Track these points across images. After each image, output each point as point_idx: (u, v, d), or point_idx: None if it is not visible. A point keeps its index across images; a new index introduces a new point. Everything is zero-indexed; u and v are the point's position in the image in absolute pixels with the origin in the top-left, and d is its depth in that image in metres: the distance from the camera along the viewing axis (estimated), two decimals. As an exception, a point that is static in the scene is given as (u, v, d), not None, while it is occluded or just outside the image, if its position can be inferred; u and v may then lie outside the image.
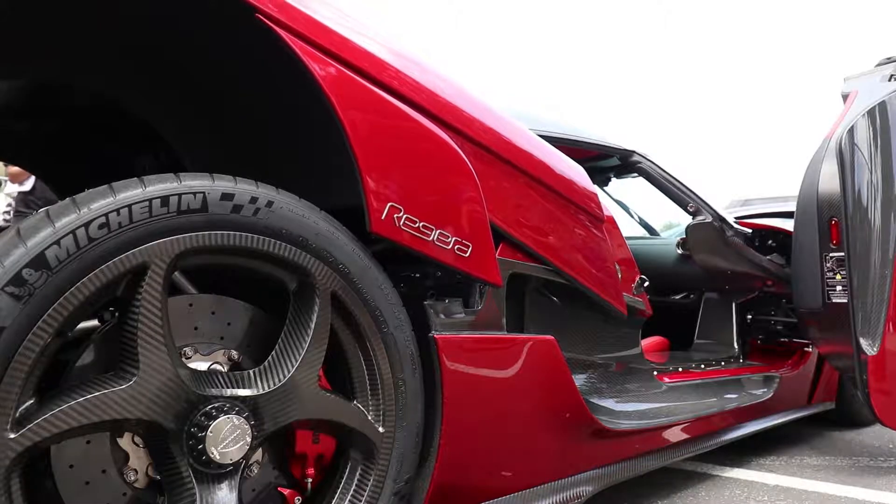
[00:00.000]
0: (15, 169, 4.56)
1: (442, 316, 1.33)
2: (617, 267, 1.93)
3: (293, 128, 1.38)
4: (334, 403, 1.13)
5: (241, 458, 1.00)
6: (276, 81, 1.26)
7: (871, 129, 2.31)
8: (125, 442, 0.98)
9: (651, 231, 3.57)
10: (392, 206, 1.18)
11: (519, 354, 1.44)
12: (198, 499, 0.96)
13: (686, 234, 2.75)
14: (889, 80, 2.47)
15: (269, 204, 1.03)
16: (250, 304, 1.12)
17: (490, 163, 1.45)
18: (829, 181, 2.31)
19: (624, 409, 1.89)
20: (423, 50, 1.38)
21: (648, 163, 2.62)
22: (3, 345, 0.80)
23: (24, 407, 0.84)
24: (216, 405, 0.98)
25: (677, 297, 3.25)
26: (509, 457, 1.46)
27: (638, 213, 3.50)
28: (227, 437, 0.98)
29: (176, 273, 1.03)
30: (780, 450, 2.64)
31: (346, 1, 1.25)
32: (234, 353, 1.09)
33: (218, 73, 1.31)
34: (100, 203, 0.89)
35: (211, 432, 0.96)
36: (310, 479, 1.19)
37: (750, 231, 2.79)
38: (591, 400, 1.80)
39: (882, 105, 2.33)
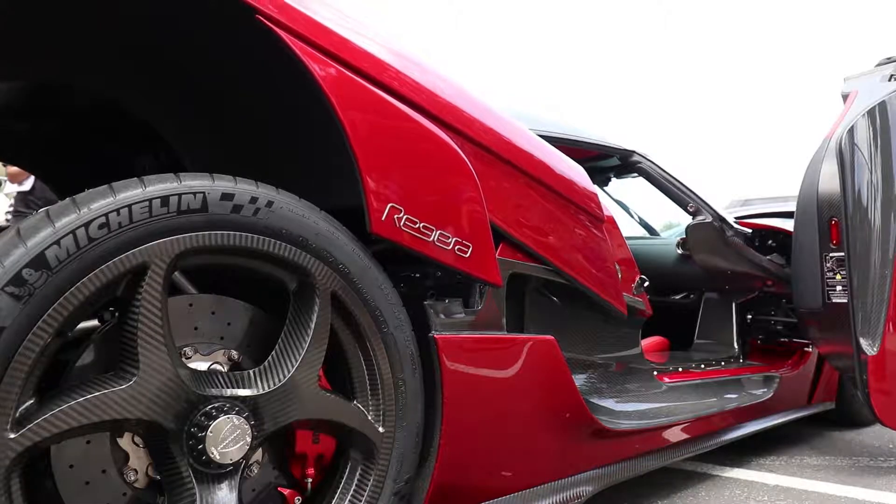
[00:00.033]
0: (14, 169, 4.56)
1: (442, 316, 1.33)
2: (617, 267, 1.93)
3: (293, 128, 1.38)
4: (334, 403, 1.13)
5: (241, 458, 1.00)
6: (277, 82, 1.26)
7: (871, 129, 2.31)
8: (125, 442, 0.98)
9: (651, 231, 3.57)
10: (392, 206, 1.18)
11: (519, 354, 1.44)
12: (198, 499, 0.96)
13: (686, 234, 2.75)
14: (889, 80, 2.47)
15: (269, 204, 1.03)
16: (250, 304, 1.12)
17: (490, 163, 1.45)
18: (829, 181, 2.31)
19: (624, 409, 1.89)
20: (422, 50, 1.38)
21: (648, 163, 2.62)
22: (3, 345, 0.80)
23: (24, 407, 0.84)
24: (216, 405, 0.98)
25: (677, 297, 3.25)
26: (509, 457, 1.46)
27: (638, 213, 3.50)
28: (227, 437, 0.98)
29: (176, 273, 1.03)
30: (780, 450, 2.64)
31: (345, 1, 1.25)
32: (234, 353, 1.09)
33: (218, 73, 1.31)
34: (100, 203, 0.89)
35: (211, 432, 0.96)
36: (310, 479, 1.19)
37: (750, 231, 2.79)
38: (591, 400, 1.80)
39: (882, 105, 2.33)
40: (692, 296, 3.19)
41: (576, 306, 1.94)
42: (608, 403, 1.88)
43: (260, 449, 1.10)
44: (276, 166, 1.46)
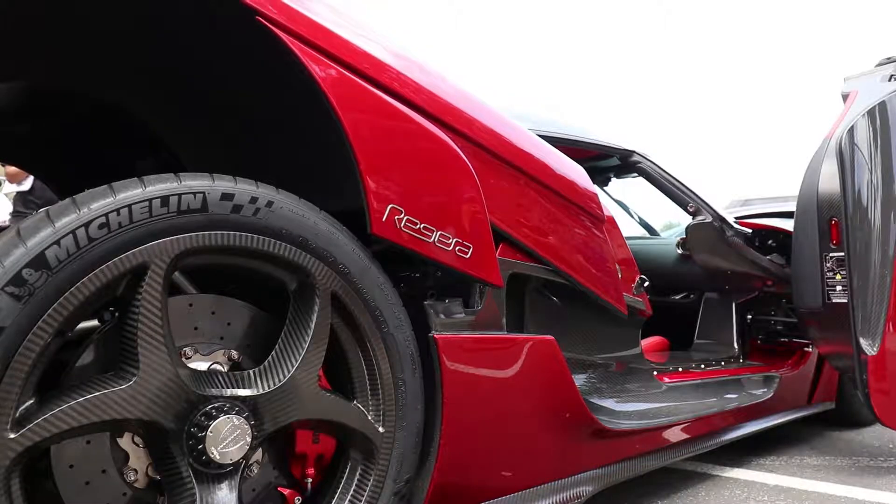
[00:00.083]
0: (13, 169, 4.55)
1: (442, 316, 1.33)
2: (617, 267, 1.93)
3: (294, 130, 1.38)
4: (334, 403, 1.13)
5: (241, 458, 1.00)
6: (277, 83, 1.26)
7: (871, 129, 2.31)
8: (125, 442, 0.98)
9: (651, 231, 3.57)
10: (393, 207, 1.18)
11: (519, 354, 1.44)
12: (198, 499, 0.96)
13: (686, 234, 2.75)
14: (889, 80, 2.46)
15: (269, 204, 1.03)
16: (250, 304, 1.12)
17: (490, 163, 1.45)
18: (829, 181, 2.31)
19: (624, 409, 1.89)
20: (422, 51, 1.38)
21: (648, 163, 2.62)
22: (3, 345, 0.80)
23: (24, 407, 0.84)
24: (216, 405, 0.98)
25: (677, 297, 3.25)
26: (509, 457, 1.46)
27: (638, 213, 3.50)
28: (227, 437, 0.98)
29: (176, 273, 1.03)
30: (780, 450, 2.64)
31: (345, 2, 1.25)
32: (234, 353, 1.09)
33: (218, 74, 1.31)
34: (100, 203, 0.89)
35: (211, 432, 0.96)
36: (310, 479, 1.19)
37: (750, 231, 2.79)
38: (591, 400, 1.80)
39: (882, 105, 2.33)
40: (692, 296, 3.19)
41: (576, 306, 1.94)
42: (608, 403, 1.88)
43: (260, 449, 1.10)
44: (277, 168, 1.46)
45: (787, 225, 2.75)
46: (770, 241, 2.89)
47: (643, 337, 2.35)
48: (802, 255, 2.42)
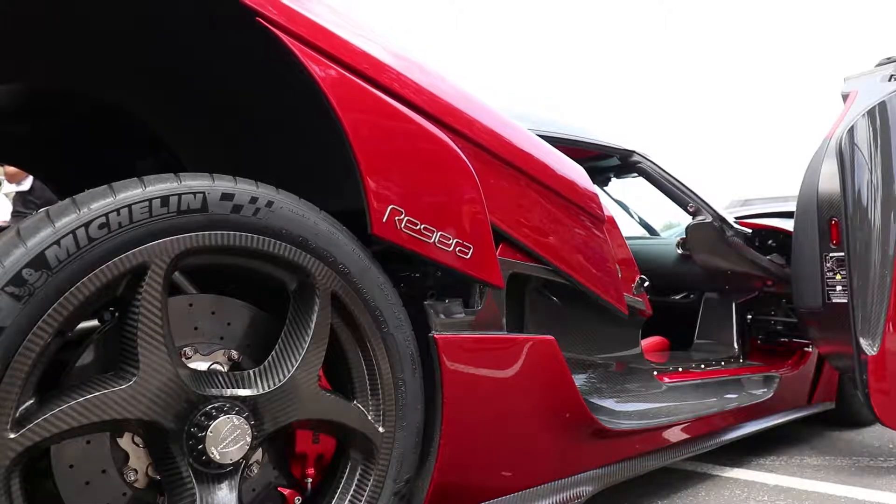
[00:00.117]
0: (11, 169, 4.55)
1: (442, 316, 1.33)
2: (617, 267, 1.93)
3: (294, 130, 1.38)
4: (334, 403, 1.13)
5: (241, 458, 1.00)
6: (277, 84, 1.26)
7: (871, 129, 2.31)
8: (125, 442, 0.98)
9: (651, 231, 3.57)
10: (393, 208, 1.18)
11: (519, 354, 1.44)
12: (198, 499, 0.96)
13: (686, 234, 2.75)
14: (889, 80, 2.46)
15: (269, 204, 1.03)
16: (250, 304, 1.12)
17: (490, 164, 1.45)
18: (829, 181, 2.31)
19: (624, 409, 1.89)
20: (422, 51, 1.38)
21: (648, 163, 2.62)
22: (3, 345, 0.80)
23: (24, 407, 0.84)
24: (216, 405, 0.98)
25: (677, 297, 3.25)
26: (509, 457, 1.46)
27: (638, 213, 3.50)
28: (227, 437, 0.98)
29: (176, 273, 1.03)
30: (780, 450, 2.64)
31: (345, 3, 1.25)
32: (234, 353, 1.09)
33: (218, 75, 1.31)
34: (100, 203, 0.89)
35: (211, 432, 0.96)
36: (310, 479, 1.19)
37: (750, 231, 2.79)
38: (591, 400, 1.80)
39: (882, 105, 2.33)
40: (692, 296, 3.19)
41: (576, 306, 1.94)
42: (608, 403, 1.88)
43: (260, 449, 1.10)
44: (277, 168, 1.46)
45: (787, 225, 2.75)
46: (770, 241, 2.89)
47: (643, 337, 2.35)
48: (802, 255, 2.42)
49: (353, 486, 1.16)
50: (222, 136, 1.51)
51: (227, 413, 0.98)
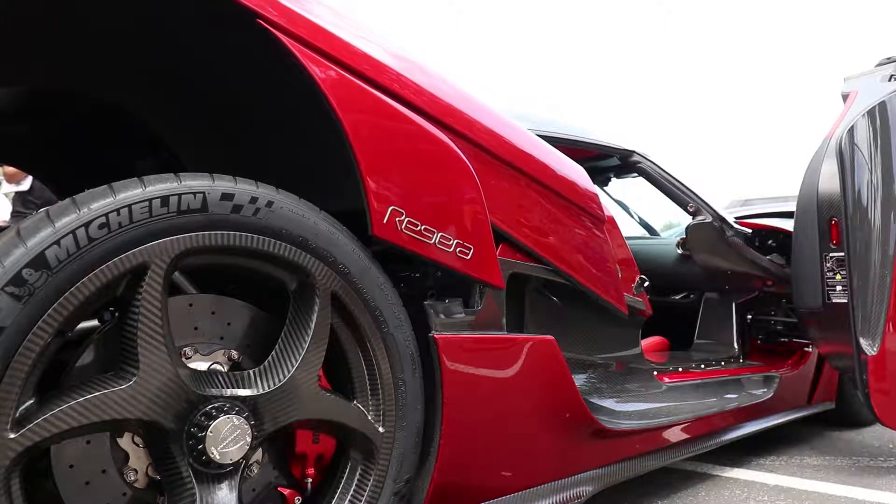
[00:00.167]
0: (10, 169, 4.55)
1: (442, 316, 1.33)
2: (617, 267, 1.93)
3: (294, 130, 1.38)
4: (334, 403, 1.13)
5: (241, 458, 1.00)
6: (277, 84, 1.26)
7: (871, 129, 2.31)
8: (125, 442, 0.98)
9: (651, 231, 3.57)
10: (394, 209, 1.18)
11: (519, 354, 1.44)
12: (198, 499, 0.96)
13: (686, 234, 2.75)
14: (889, 80, 2.46)
15: (269, 204, 1.03)
16: (250, 304, 1.12)
17: (490, 164, 1.45)
18: (829, 181, 2.31)
19: (624, 409, 1.89)
20: (422, 51, 1.38)
21: (648, 163, 2.62)
22: (3, 345, 0.80)
23: (24, 407, 0.84)
24: (216, 405, 0.98)
25: (677, 297, 3.25)
26: (509, 457, 1.46)
27: (638, 213, 3.50)
28: (227, 437, 0.98)
29: (176, 273, 1.03)
30: (780, 450, 2.64)
31: (345, 4, 1.25)
32: (234, 353, 1.09)
33: (218, 75, 1.31)
34: (100, 203, 0.89)
35: (211, 432, 0.96)
36: (310, 479, 1.19)
37: (750, 231, 2.79)
38: (591, 400, 1.80)
39: (882, 105, 2.33)
40: (692, 296, 3.19)
41: (576, 306, 1.94)
42: (608, 403, 1.88)
43: (260, 449, 1.10)
44: (277, 169, 1.46)
45: (787, 225, 2.75)
46: (770, 241, 2.89)
47: (643, 337, 2.35)
48: (802, 255, 2.42)
49: (353, 486, 1.16)
50: (222, 136, 1.51)
51: (227, 413, 0.98)
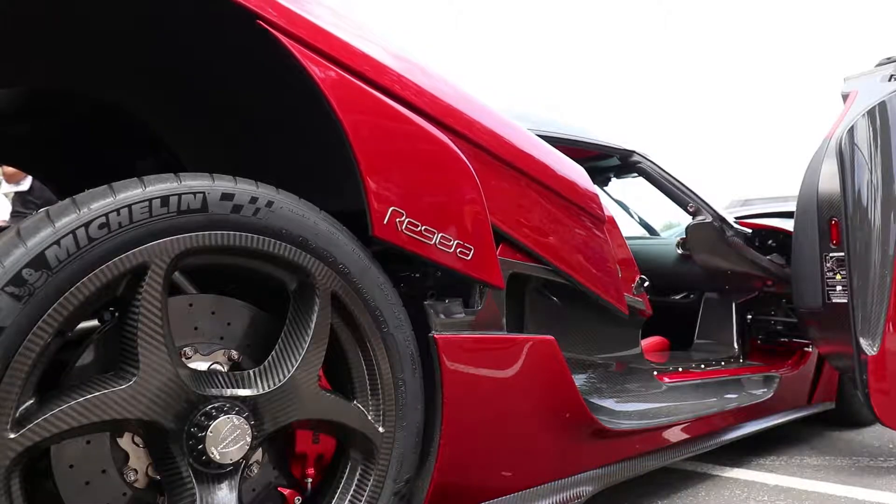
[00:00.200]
0: (10, 169, 4.55)
1: (442, 316, 1.33)
2: (617, 267, 1.93)
3: (294, 130, 1.38)
4: (334, 403, 1.13)
5: (241, 458, 1.00)
6: (277, 84, 1.26)
7: (871, 129, 2.31)
8: (125, 442, 0.98)
9: (651, 231, 3.58)
10: (394, 210, 1.18)
11: (519, 354, 1.44)
12: (198, 499, 0.96)
13: (686, 234, 2.75)
14: (889, 80, 2.47)
15: (269, 204, 1.03)
16: (250, 304, 1.12)
17: (491, 165, 1.45)
18: (829, 181, 2.31)
19: (624, 409, 1.89)
20: (422, 51, 1.38)
21: (648, 163, 2.62)
22: (3, 345, 0.80)
23: (24, 407, 0.84)
24: (216, 405, 0.98)
25: (677, 297, 3.25)
26: (509, 457, 1.46)
27: (638, 213, 3.51)
28: (227, 437, 0.98)
29: (176, 273, 1.03)
30: (780, 450, 2.64)
31: (346, 4, 1.25)
32: (234, 353, 1.09)
33: (218, 76, 1.31)
34: (100, 203, 0.89)
35: (211, 432, 0.96)
36: (310, 479, 1.19)
37: (750, 231, 2.79)
38: (591, 400, 1.80)
39: (882, 105, 2.33)
40: (692, 296, 3.19)
41: (576, 306, 1.94)
42: (608, 403, 1.88)
43: (260, 449, 1.10)
44: (277, 169, 1.46)
45: (787, 225, 2.75)
46: (770, 241, 2.89)
47: (643, 337, 2.35)
48: (802, 255, 2.42)
49: (353, 486, 1.16)
50: (222, 136, 1.51)
51: (227, 413, 0.98)
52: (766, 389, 2.50)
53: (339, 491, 1.16)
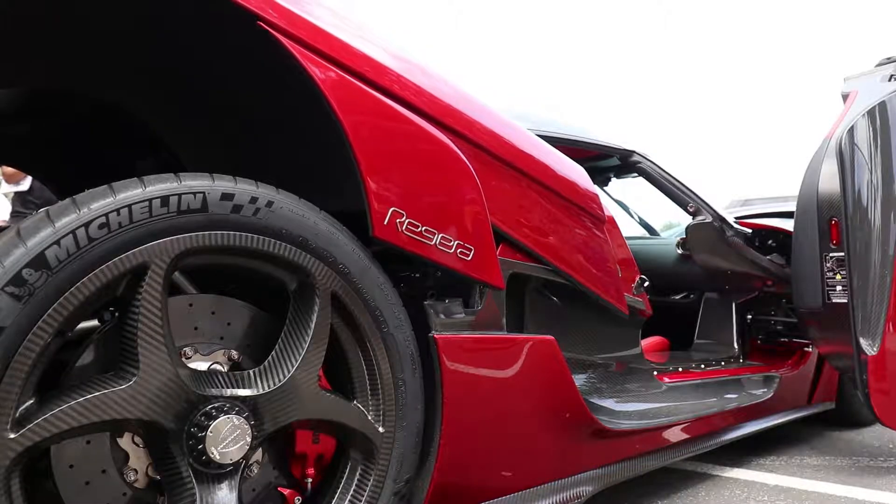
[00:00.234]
0: (9, 170, 4.55)
1: (442, 316, 1.33)
2: (617, 267, 1.93)
3: (294, 130, 1.38)
4: (334, 403, 1.13)
5: (241, 458, 1.00)
6: (278, 84, 1.26)
7: (871, 129, 2.31)
8: (125, 442, 0.98)
9: (651, 231, 3.58)
10: (395, 211, 1.18)
11: (519, 354, 1.44)
12: (198, 499, 0.96)
13: (686, 234, 2.75)
14: (889, 80, 2.47)
15: (269, 204, 1.03)
16: (250, 304, 1.12)
17: (491, 165, 1.45)
18: (829, 181, 2.31)
19: (624, 409, 1.89)
20: (422, 51, 1.38)
21: (648, 163, 2.62)
22: (3, 345, 0.80)
23: (24, 407, 0.84)
24: (216, 405, 0.98)
25: (677, 297, 3.25)
26: (509, 457, 1.46)
27: (638, 213, 3.51)
28: (227, 437, 0.98)
29: (176, 273, 1.03)
30: (780, 450, 2.64)
31: (346, 4, 1.25)
32: (234, 353, 1.09)
33: (218, 76, 1.31)
34: (100, 203, 0.89)
35: (211, 432, 0.96)
36: (310, 479, 1.19)
37: (750, 231, 2.79)
38: (591, 400, 1.80)
39: (882, 105, 2.33)
40: (692, 296, 3.19)
41: (576, 306, 1.94)
42: (608, 403, 1.88)
43: (260, 449, 1.10)
44: (278, 170, 1.46)
45: (787, 225, 2.75)
46: (770, 241, 2.89)
47: (643, 337, 2.35)
48: (802, 255, 2.42)
49: (353, 486, 1.16)
50: (222, 136, 1.51)
51: (227, 413, 0.98)
52: (766, 389, 2.50)
53: (339, 491, 1.16)
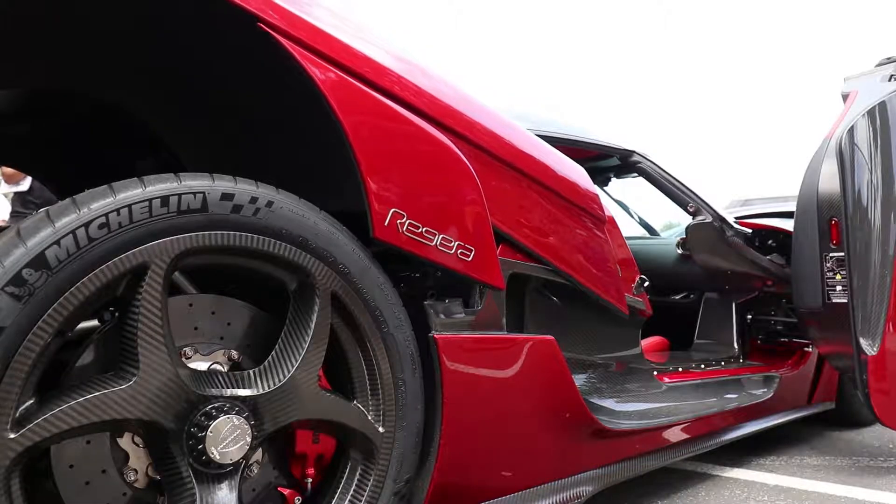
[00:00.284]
0: (9, 170, 4.55)
1: (442, 316, 1.33)
2: (617, 267, 1.93)
3: (294, 130, 1.38)
4: (334, 403, 1.13)
5: (241, 458, 1.00)
6: (278, 84, 1.26)
7: (871, 129, 2.31)
8: (125, 442, 0.98)
9: (651, 231, 3.58)
10: (395, 211, 1.18)
11: (519, 354, 1.44)
12: (198, 499, 0.96)
13: (686, 234, 2.75)
14: (889, 80, 2.47)
15: (269, 204, 1.03)
16: (250, 304, 1.12)
17: (491, 166, 1.45)
18: (829, 181, 2.31)
19: (624, 409, 1.89)
20: (422, 52, 1.38)
21: (648, 163, 2.62)
22: (3, 345, 0.80)
23: (24, 407, 0.84)
24: (216, 405, 0.98)
25: (677, 297, 3.25)
26: (509, 457, 1.46)
27: (638, 213, 3.51)
28: (227, 437, 0.98)
29: (176, 273, 1.03)
30: (780, 450, 2.64)
31: (346, 5, 1.25)
32: (234, 353, 1.09)
33: (218, 77, 1.31)
34: (100, 203, 0.89)
35: (211, 432, 0.96)
36: (310, 479, 1.19)
37: (750, 231, 2.79)
38: (591, 400, 1.80)
39: (882, 105, 2.33)
40: (692, 296, 3.19)
41: (576, 306, 1.94)
42: (608, 403, 1.88)
43: (260, 449, 1.10)
44: (278, 170, 1.46)
45: (787, 225, 2.75)
46: (770, 241, 2.89)
47: (643, 337, 2.35)
48: (802, 255, 2.42)
49: (353, 486, 1.16)
50: (222, 136, 1.51)
51: (227, 413, 0.98)
52: (766, 389, 2.50)
53: (339, 491, 1.16)
